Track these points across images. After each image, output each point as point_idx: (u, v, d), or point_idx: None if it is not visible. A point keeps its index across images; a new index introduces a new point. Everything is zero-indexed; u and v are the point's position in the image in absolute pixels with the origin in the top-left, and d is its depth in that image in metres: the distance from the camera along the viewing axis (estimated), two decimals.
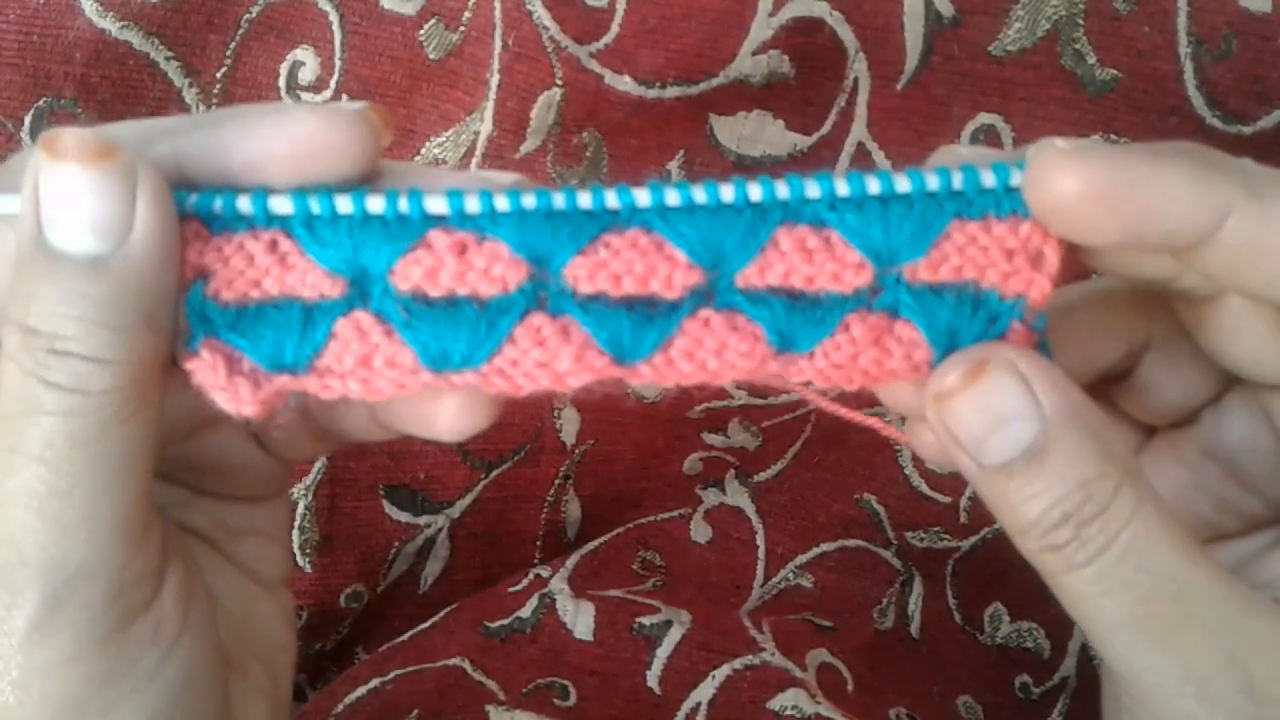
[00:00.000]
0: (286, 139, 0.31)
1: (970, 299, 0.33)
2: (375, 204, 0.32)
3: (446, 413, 0.34)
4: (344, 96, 0.59)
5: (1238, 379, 0.37)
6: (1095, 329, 0.38)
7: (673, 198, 0.32)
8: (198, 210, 0.31)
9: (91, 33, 0.53)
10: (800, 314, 0.33)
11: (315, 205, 0.31)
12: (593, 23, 0.56)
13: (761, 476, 0.73)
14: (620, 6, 0.56)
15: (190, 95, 0.57)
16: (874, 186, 0.32)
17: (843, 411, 0.38)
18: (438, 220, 0.32)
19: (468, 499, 0.67)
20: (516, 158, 0.59)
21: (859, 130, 0.60)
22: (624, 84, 0.57)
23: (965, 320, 0.33)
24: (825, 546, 0.72)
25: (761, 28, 0.56)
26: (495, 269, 0.32)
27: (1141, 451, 0.40)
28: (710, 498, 0.73)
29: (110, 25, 0.53)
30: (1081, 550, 0.30)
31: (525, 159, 0.59)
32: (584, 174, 0.61)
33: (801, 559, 0.72)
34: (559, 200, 0.32)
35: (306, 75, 0.59)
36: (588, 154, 0.60)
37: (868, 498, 0.72)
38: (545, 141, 0.59)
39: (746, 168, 0.61)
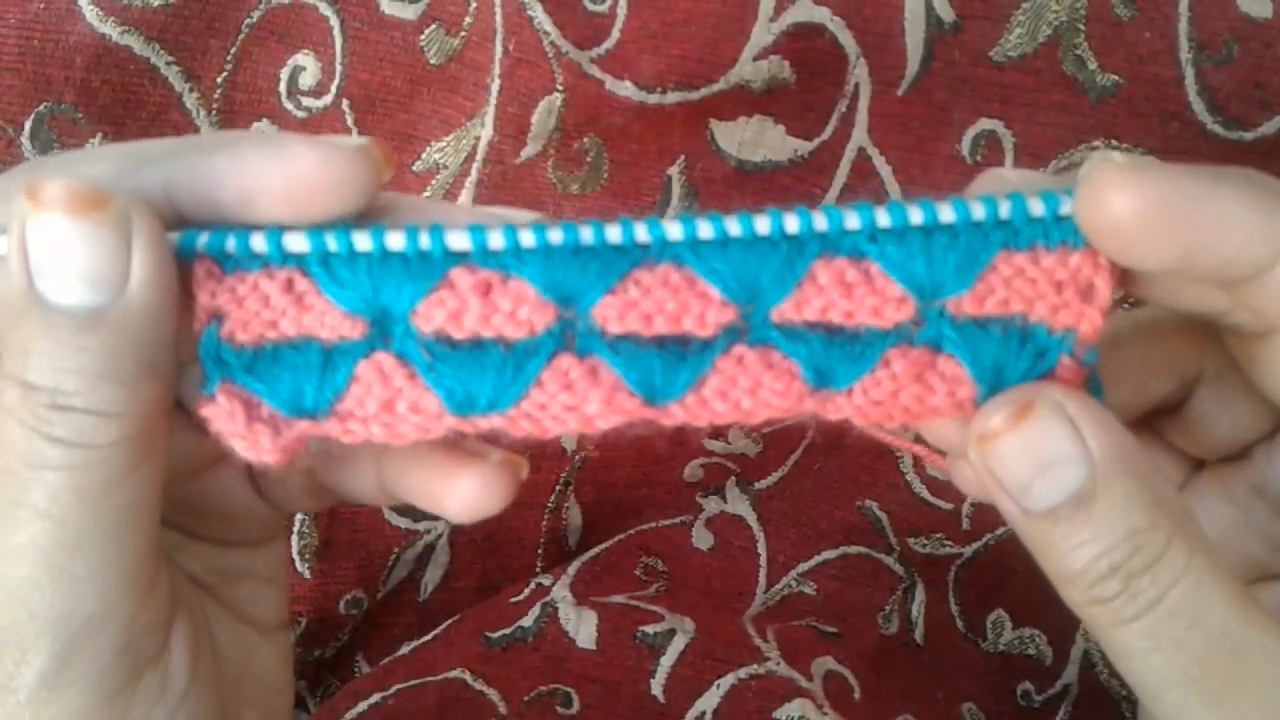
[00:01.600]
0: (283, 174, 0.29)
1: (1017, 333, 0.32)
2: (395, 240, 0.30)
3: (460, 495, 0.33)
4: (345, 101, 0.59)
5: None
6: (1146, 360, 0.37)
7: (705, 231, 0.31)
8: (210, 249, 0.30)
9: (92, 37, 0.53)
10: (838, 349, 0.32)
11: (332, 243, 0.30)
12: (593, 28, 0.56)
13: (762, 484, 0.73)
14: (621, 12, 0.56)
15: (190, 100, 0.57)
16: (916, 216, 0.31)
17: (888, 438, 0.37)
18: (460, 257, 0.31)
19: None
20: (517, 163, 0.59)
21: (860, 135, 0.60)
22: (625, 89, 0.57)
23: (1012, 355, 0.32)
24: (827, 554, 0.72)
25: (762, 33, 0.56)
26: (521, 312, 0.31)
27: (1188, 485, 0.39)
28: (711, 505, 0.73)
29: (111, 30, 0.53)
30: (1131, 604, 0.29)
31: (526, 164, 0.59)
32: (584, 179, 0.61)
33: (803, 566, 0.71)
34: (586, 234, 0.31)
35: (307, 80, 0.59)
36: (588, 159, 0.60)
37: (869, 504, 0.72)
38: (546, 147, 0.59)
39: (748, 173, 0.61)
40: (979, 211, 0.31)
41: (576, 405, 0.32)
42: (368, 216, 0.31)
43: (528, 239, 0.30)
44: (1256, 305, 0.31)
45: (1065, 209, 0.31)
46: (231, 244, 0.30)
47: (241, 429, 0.31)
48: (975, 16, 0.57)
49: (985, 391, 0.32)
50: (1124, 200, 0.29)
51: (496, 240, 0.30)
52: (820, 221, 0.31)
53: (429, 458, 0.34)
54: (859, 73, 0.59)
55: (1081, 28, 0.57)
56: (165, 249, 0.29)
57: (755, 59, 0.57)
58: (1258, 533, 0.37)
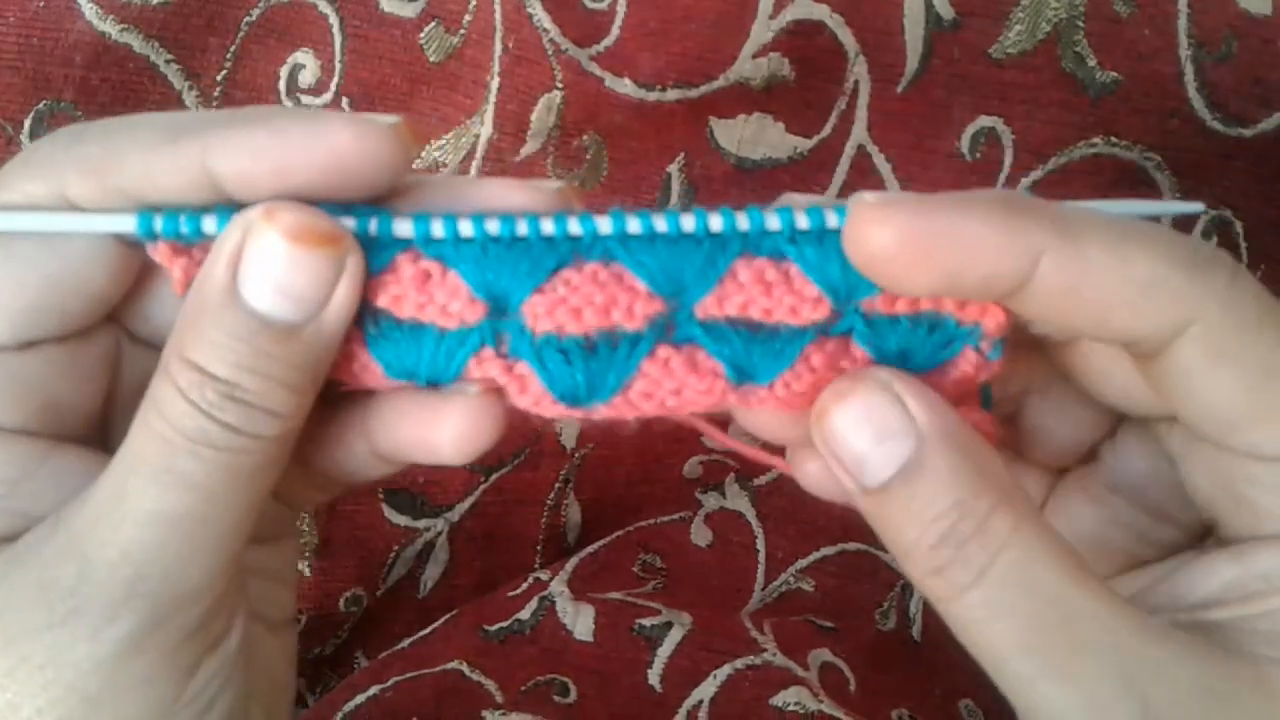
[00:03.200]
0: (324, 149, 0.30)
1: (927, 322, 0.33)
2: (348, 224, 0.32)
3: (450, 434, 0.34)
4: (344, 99, 0.59)
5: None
6: None
7: (634, 226, 0.32)
8: (165, 232, 0.32)
9: (91, 35, 0.53)
10: (759, 346, 0.33)
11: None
12: (593, 25, 0.56)
13: (761, 480, 0.73)
14: (620, 9, 0.56)
15: (190, 98, 0.57)
16: (833, 220, 0.32)
17: (735, 445, 0.39)
18: (407, 244, 0.32)
19: (467, 503, 0.67)
20: (517, 161, 0.59)
21: (859, 133, 0.60)
22: (624, 87, 0.57)
23: (919, 342, 0.33)
24: (826, 550, 0.72)
25: (762, 30, 0.56)
26: (453, 306, 0.33)
27: (1053, 492, 0.40)
28: (710, 502, 0.73)
29: (110, 28, 0.53)
30: (962, 572, 0.30)
31: (525, 162, 0.59)
32: (584, 176, 0.61)
33: (802, 563, 0.72)
34: (522, 227, 0.32)
35: (306, 78, 0.59)
36: (588, 157, 0.60)
37: None
38: (545, 144, 0.59)
39: (747, 171, 0.61)
40: None
41: (509, 400, 0.34)
42: (398, 192, 0.33)
43: (466, 229, 0.32)
44: (1032, 314, 0.32)
45: None
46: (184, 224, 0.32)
47: None
48: (975, 14, 0.57)
49: None
50: (880, 235, 0.30)
51: (437, 229, 0.32)
52: (742, 222, 0.32)
53: (411, 410, 0.35)
54: (858, 70, 0.59)
55: (1081, 25, 0.57)
56: (362, 284, 0.32)
57: (755, 56, 0.57)
58: (1122, 526, 0.37)
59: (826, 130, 0.60)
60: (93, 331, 0.34)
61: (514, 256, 0.32)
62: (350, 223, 0.32)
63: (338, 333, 0.32)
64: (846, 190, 0.61)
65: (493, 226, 0.32)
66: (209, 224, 0.31)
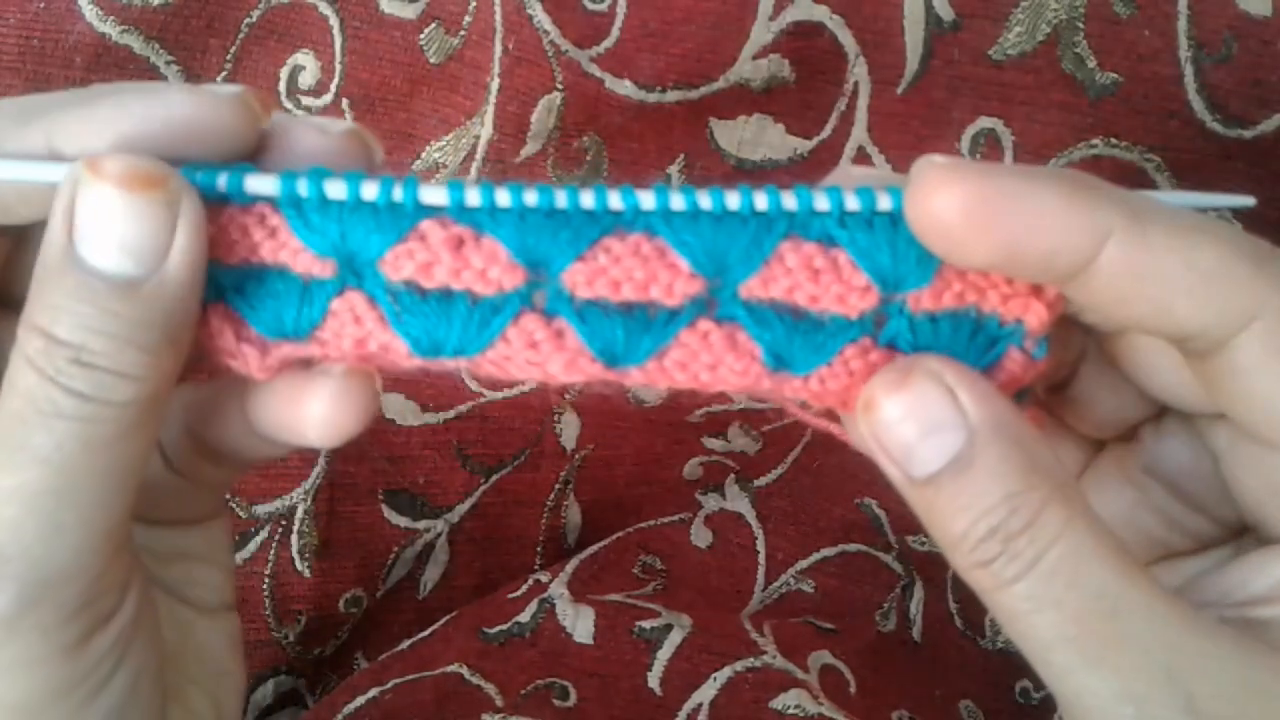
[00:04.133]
0: (161, 119, 0.30)
1: (970, 324, 0.32)
2: (369, 190, 0.31)
3: (314, 416, 0.34)
4: (344, 100, 0.59)
5: None
6: None
7: (678, 202, 0.31)
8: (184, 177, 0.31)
9: (92, 37, 0.53)
10: (801, 337, 0.32)
11: (304, 187, 0.31)
12: (593, 27, 0.56)
13: (761, 481, 0.73)
14: (620, 11, 0.56)
15: None
16: (885, 203, 0.31)
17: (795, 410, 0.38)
18: (433, 210, 0.31)
19: (467, 504, 0.67)
20: (517, 162, 0.59)
21: (859, 134, 0.60)
22: (624, 88, 0.57)
23: (962, 346, 0.32)
24: (826, 551, 0.72)
25: (762, 32, 0.56)
26: (492, 271, 0.32)
27: (1090, 467, 0.39)
28: (710, 503, 0.73)
29: (110, 29, 0.53)
30: (1011, 565, 0.29)
31: (525, 163, 0.59)
32: (584, 177, 0.61)
33: (802, 564, 0.72)
34: (561, 199, 0.31)
35: (307, 79, 0.59)
36: (588, 158, 0.60)
37: (869, 502, 0.72)
38: (546, 145, 0.59)
39: (747, 172, 0.61)
40: None
41: (540, 363, 0.32)
42: (260, 154, 0.33)
43: (503, 198, 0.31)
44: (1089, 300, 0.31)
45: None
46: (201, 180, 0.31)
47: (232, 348, 0.33)
48: (974, 15, 0.57)
49: None
50: (946, 199, 0.29)
51: (473, 197, 0.31)
52: (789, 201, 0.31)
53: (281, 389, 0.34)
54: (858, 71, 0.59)
55: (1081, 26, 0.57)
56: (204, 231, 0.31)
57: (755, 57, 0.57)
58: (1155, 511, 0.37)
59: (826, 131, 0.60)
60: None
61: (555, 224, 0.31)
62: (373, 188, 0.31)
63: (186, 283, 0.30)
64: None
65: (531, 197, 0.31)
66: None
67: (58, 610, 0.30)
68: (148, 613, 0.34)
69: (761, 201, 0.31)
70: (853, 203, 0.31)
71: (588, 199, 0.31)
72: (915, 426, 0.30)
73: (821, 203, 0.31)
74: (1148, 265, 0.29)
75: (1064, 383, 0.38)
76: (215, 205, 0.32)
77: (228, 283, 0.32)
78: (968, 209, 0.29)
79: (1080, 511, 0.30)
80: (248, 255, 0.32)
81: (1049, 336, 0.33)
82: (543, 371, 0.33)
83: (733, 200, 0.31)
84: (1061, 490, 0.30)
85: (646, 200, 0.31)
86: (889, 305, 0.32)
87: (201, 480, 0.39)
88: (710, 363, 0.32)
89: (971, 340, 0.32)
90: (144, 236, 0.29)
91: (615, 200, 0.31)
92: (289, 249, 0.32)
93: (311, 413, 0.34)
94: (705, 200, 0.31)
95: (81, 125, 0.30)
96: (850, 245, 0.31)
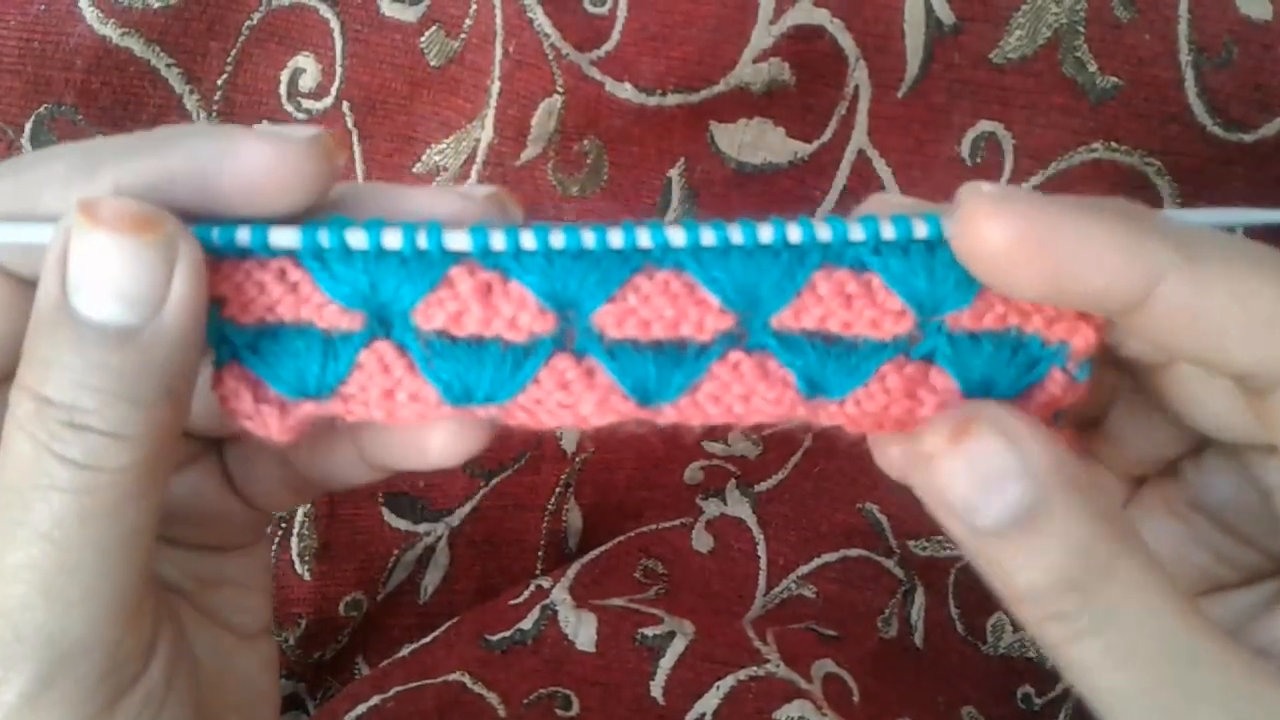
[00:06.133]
0: (237, 173, 0.29)
1: (1011, 344, 0.32)
2: (392, 238, 0.30)
3: (439, 441, 0.33)
4: (345, 103, 0.59)
5: None
6: None
7: (708, 238, 0.31)
8: (198, 237, 0.30)
9: (92, 39, 0.53)
10: (834, 361, 0.32)
11: (325, 238, 0.30)
12: (593, 30, 0.56)
13: (762, 486, 0.73)
14: (621, 14, 0.56)
15: (191, 102, 0.57)
16: (921, 230, 0.30)
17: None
18: (459, 256, 0.31)
19: (467, 507, 0.67)
20: (517, 165, 0.59)
21: (859, 138, 0.60)
22: (625, 91, 0.57)
23: (1002, 366, 0.32)
24: (827, 557, 0.72)
25: (762, 35, 0.56)
26: (521, 319, 0.31)
27: (1132, 502, 0.39)
28: (711, 508, 0.73)
29: (111, 32, 0.53)
30: (1083, 619, 0.29)
31: (526, 166, 0.59)
32: (584, 181, 0.61)
33: (803, 569, 0.71)
34: (589, 239, 0.30)
35: (307, 82, 0.59)
36: (588, 161, 0.60)
37: (870, 507, 0.72)
38: (546, 149, 0.59)
39: (748, 175, 0.61)
40: None
41: (572, 404, 0.32)
42: (324, 205, 0.31)
43: (529, 241, 0.30)
44: (1142, 334, 0.31)
45: None
46: (216, 236, 0.30)
47: (250, 409, 0.32)
48: (975, 19, 0.57)
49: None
50: (995, 229, 0.29)
51: (498, 242, 0.30)
52: (823, 232, 0.31)
53: None
54: (859, 75, 0.59)
55: (1081, 30, 0.57)
56: (204, 278, 0.29)
57: (755, 61, 0.57)
58: (1203, 545, 0.37)
59: (827, 135, 0.60)
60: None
61: (583, 266, 0.31)
62: (396, 236, 0.30)
63: (185, 329, 0.29)
64: (846, 196, 0.61)
65: (557, 239, 0.30)
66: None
67: (79, 684, 0.29)
68: (182, 663, 0.33)
69: (795, 234, 0.31)
70: (888, 231, 0.31)
71: (616, 238, 0.31)
72: (980, 480, 0.29)
73: (856, 233, 0.31)
74: (1203, 307, 0.29)
75: (1096, 421, 0.37)
76: (231, 261, 0.31)
77: (243, 341, 0.31)
78: (1018, 241, 0.29)
79: (1149, 562, 0.29)
80: (264, 313, 0.31)
81: (1092, 359, 0.32)
82: (574, 414, 0.32)
83: (765, 234, 0.31)
84: (1129, 541, 0.29)
85: (676, 237, 0.31)
86: (926, 326, 0.32)
87: (272, 505, 0.38)
88: (743, 393, 0.32)
89: (1012, 358, 0.32)
90: (139, 282, 0.28)
91: (644, 238, 0.31)
92: (313, 304, 0.31)
93: (438, 439, 0.33)
94: (736, 234, 0.31)
95: (151, 181, 0.29)
96: (883, 270, 0.31)
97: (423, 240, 0.30)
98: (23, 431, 0.28)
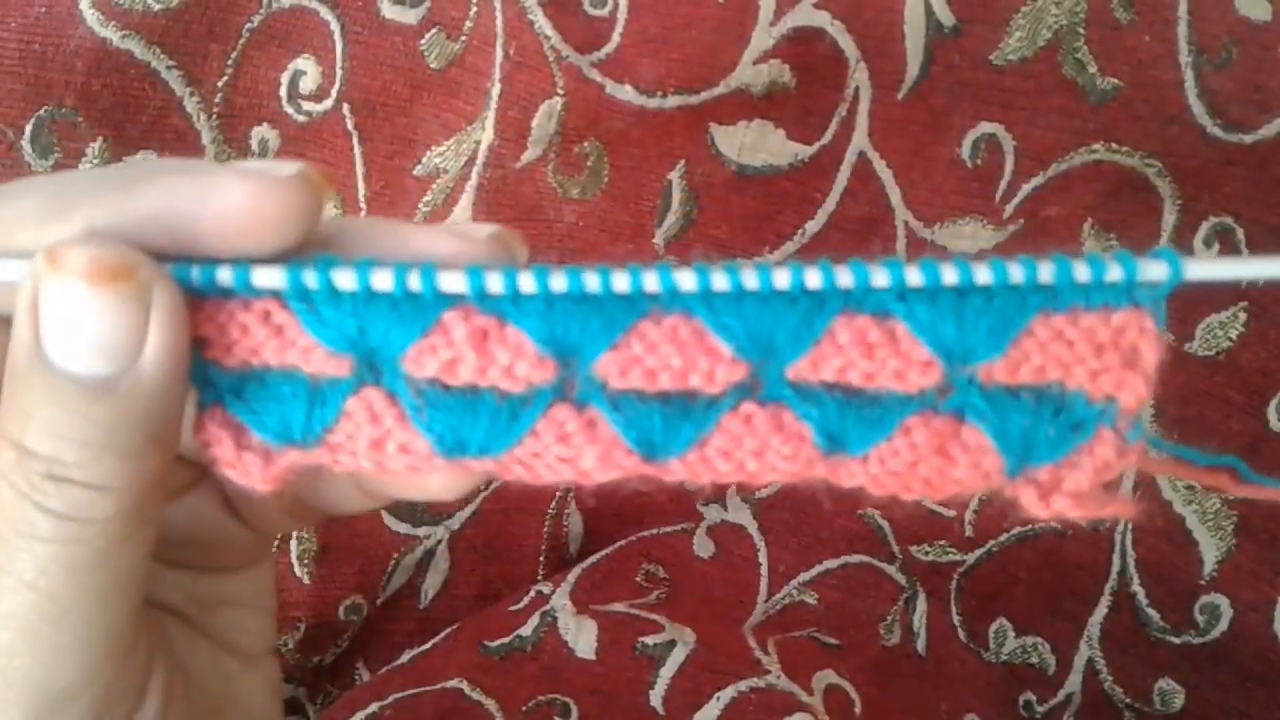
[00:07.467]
0: (217, 213, 0.27)
1: (1052, 401, 0.29)
2: (382, 280, 0.28)
3: (440, 475, 0.32)
4: (345, 106, 0.59)
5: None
6: None
7: (720, 283, 0.28)
8: (177, 278, 0.28)
9: (93, 41, 0.53)
10: (854, 413, 0.29)
11: (311, 279, 0.28)
12: (594, 32, 0.56)
13: (763, 492, 0.73)
14: (621, 16, 0.56)
15: (191, 104, 0.57)
16: (950, 276, 0.28)
17: None
18: (454, 299, 0.29)
19: (467, 511, 0.67)
20: (517, 167, 0.59)
21: (860, 139, 0.60)
22: (625, 93, 0.57)
23: (1043, 425, 0.29)
24: (828, 563, 0.71)
25: (762, 37, 0.56)
26: (519, 368, 0.29)
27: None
28: (712, 514, 0.73)
29: (111, 34, 0.53)
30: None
31: (526, 168, 0.59)
32: (585, 183, 0.61)
33: (804, 576, 0.71)
34: (592, 283, 0.28)
35: (308, 84, 0.59)
36: (589, 163, 0.60)
37: (871, 512, 0.72)
38: (546, 151, 0.59)
39: (748, 177, 0.61)
40: (1017, 274, 0.28)
41: (571, 458, 0.30)
42: (315, 243, 0.29)
43: (527, 284, 0.28)
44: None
45: (1112, 274, 0.28)
46: (196, 276, 0.28)
47: (231, 457, 0.30)
48: (975, 20, 0.57)
49: (1013, 464, 0.30)
50: None
51: (495, 284, 0.28)
52: (844, 277, 0.28)
53: None
54: (859, 77, 0.59)
55: (1081, 31, 0.58)
56: (183, 322, 0.28)
57: (755, 63, 0.57)
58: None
59: (827, 137, 0.60)
60: None
61: (585, 310, 0.29)
62: (386, 277, 0.28)
63: (165, 377, 0.27)
64: (847, 196, 0.61)
65: (558, 283, 0.28)
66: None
67: None
68: (177, 696, 0.32)
69: (813, 278, 0.28)
70: (914, 277, 0.28)
71: (621, 282, 0.28)
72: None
73: (880, 277, 0.28)
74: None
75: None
76: (214, 301, 0.29)
77: (226, 385, 0.30)
78: None
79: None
80: (249, 356, 0.29)
81: (1143, 417, 0.30)
82: (574, 468, 0.30)
83: (781, 278, 0.28)
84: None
85: (685, 281, 0.28)
86: (955, 378, 0.29)
87: (272, 529, 0.38)
88: (756, 448, 0.29)
89: (1055, 418, 0.29)
90: (113, 332, 0.27)
91: (651, 282, 0.28)
92: (298, 347, 0.29)
93: (438, 474, 0.32)
94: (750, 279, 0.28)
95: (124, 220, 0.28)
96: (909, 318, 0.29)
97: (415, 282, 0.28)
98: (5, 481, 0.27)
